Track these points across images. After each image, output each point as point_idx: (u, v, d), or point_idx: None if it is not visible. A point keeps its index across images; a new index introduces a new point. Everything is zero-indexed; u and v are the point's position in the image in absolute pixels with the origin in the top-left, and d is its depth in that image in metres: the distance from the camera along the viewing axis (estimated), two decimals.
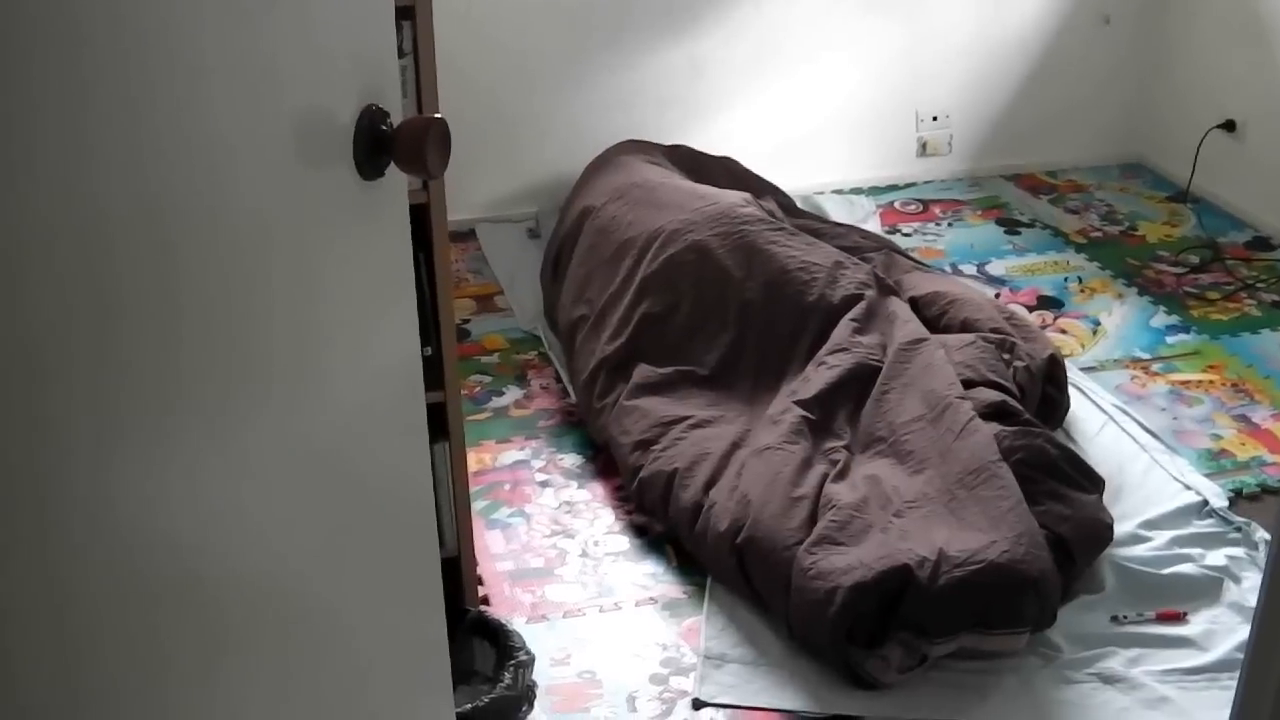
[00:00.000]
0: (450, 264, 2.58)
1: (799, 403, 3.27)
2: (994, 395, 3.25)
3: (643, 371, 3.50)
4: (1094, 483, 3.14)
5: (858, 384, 3.35)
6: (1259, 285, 4.46)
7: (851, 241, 4.10)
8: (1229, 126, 5.00)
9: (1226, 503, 3.27)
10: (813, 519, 2.95)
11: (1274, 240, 4.80)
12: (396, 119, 1.51)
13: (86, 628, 1.13)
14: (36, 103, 1.01)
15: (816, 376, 3.36)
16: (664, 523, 3.21)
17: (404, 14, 2.29)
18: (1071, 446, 3.32)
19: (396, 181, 1.57)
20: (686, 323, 3.61)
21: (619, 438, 3.37)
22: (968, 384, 3.27)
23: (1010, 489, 2.94)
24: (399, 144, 1.46)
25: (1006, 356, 3.47)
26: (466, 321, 4.22)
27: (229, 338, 1.30)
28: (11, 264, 1.00)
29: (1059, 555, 2.90)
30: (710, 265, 3.65)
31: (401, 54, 2.27)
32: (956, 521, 2.90)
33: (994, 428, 3.11)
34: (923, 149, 5.34)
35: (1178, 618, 2.94)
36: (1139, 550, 3.10)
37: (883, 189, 5.24)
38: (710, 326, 3.60)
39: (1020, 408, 3.26)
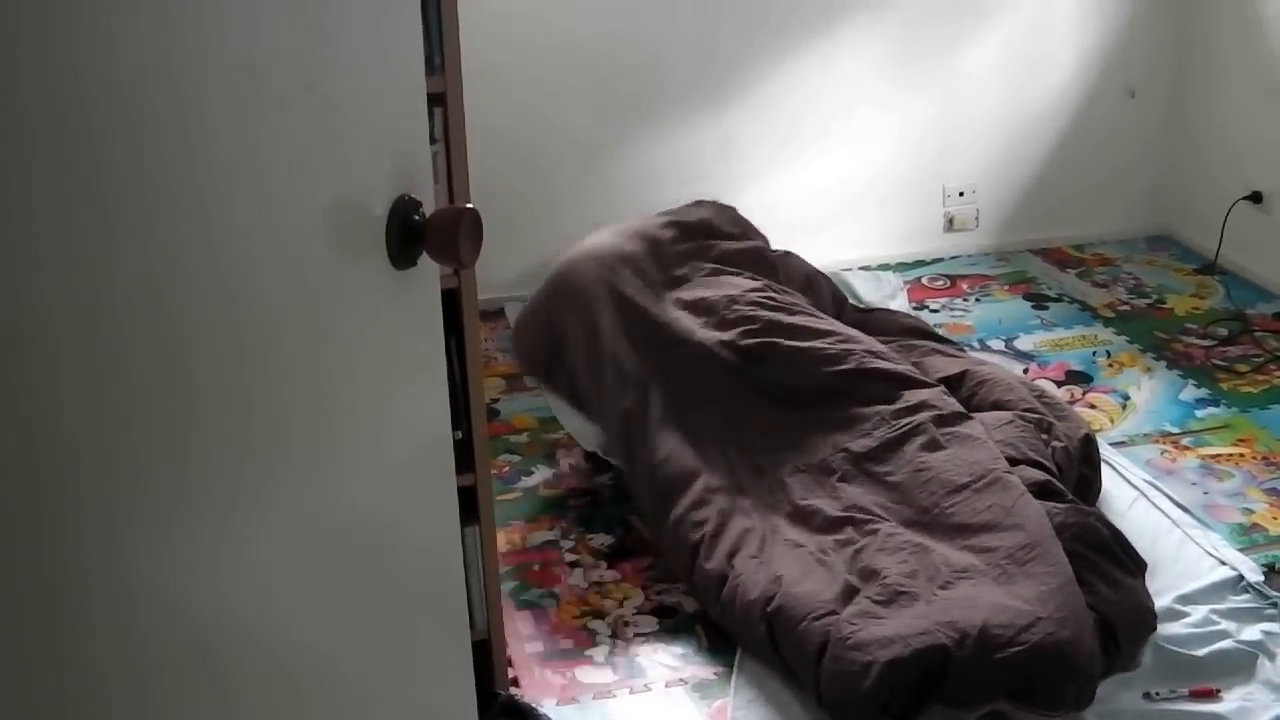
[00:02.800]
0: (480, 347, 2.59)
1: (834, 497, 3.27)
2: (1038, 474, 3.24)
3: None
4: (1138, 565, 3.12)
5: (888, 455, 3.34)
6: None
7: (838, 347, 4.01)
8: (1256, 198, 5.01)
9: (1262, 577, 3.25)
10: (850, 591, 2.94)
11: None
12: (429, 208, 1.53)
13: (100, 706, 1.14)
14: (69, 188, 1.03)
15: (848, 470, 3.35)
16: (688, 582, 3.22)
17: (435, 100, 2.32)
18: None
19: (429, 270, 1.58)
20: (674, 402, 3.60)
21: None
22: (1011, 462, 3.26)
23: (1061, 567, 2.92)
24: (431, 235, 1.47)
25: (1044, 436, 3.47)
26: (496, 401, 4.23)
27: (264, 425, 1.32)
28: (49, 349, 1.03)
29: (1104, 638, 2.88)
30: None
31: (433, 140, 2.30)
32: (1004, 593, 2.88)
33: (1043, 504, 3.10)
34: (950, 224, 5.36)
35: (1211, 694, 2.91)
36: (1173, 626, 3.07)
37: (910, 265, 5.25)
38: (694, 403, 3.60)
39: (1063, 488, 3.25)
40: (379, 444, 1.57)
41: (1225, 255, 5.12)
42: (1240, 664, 2.98)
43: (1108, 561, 3.04)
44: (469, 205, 1.47)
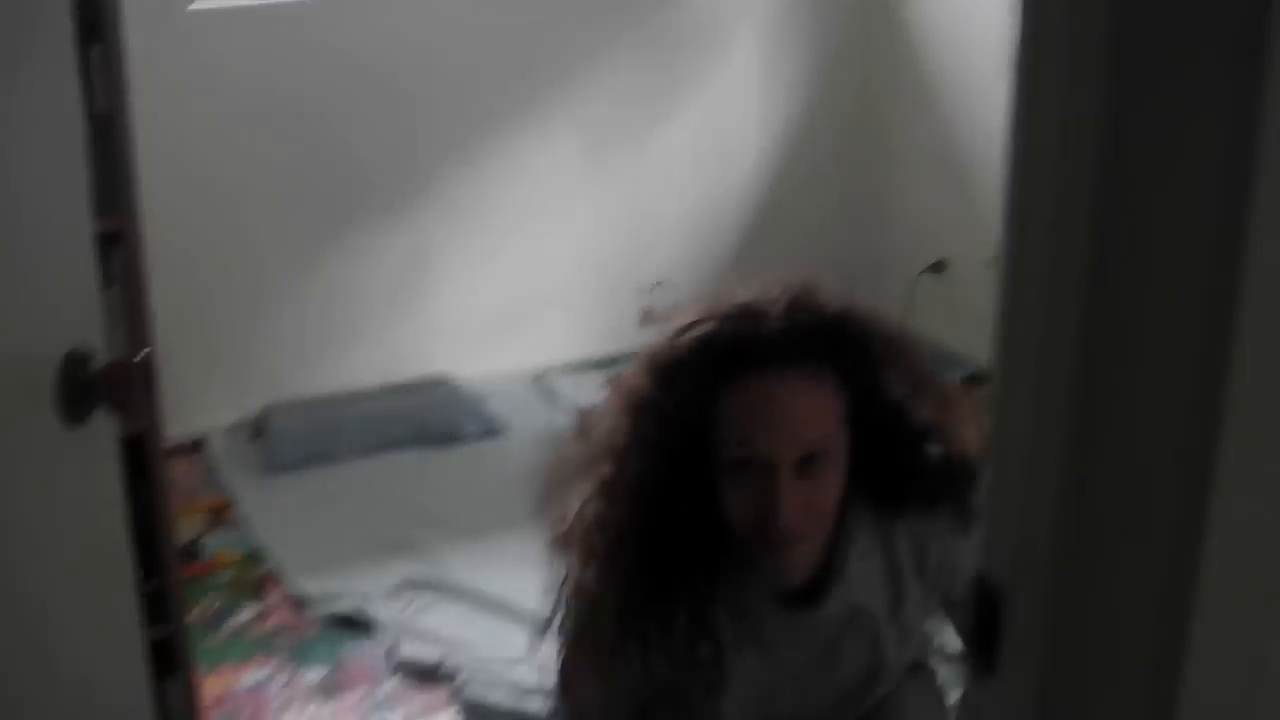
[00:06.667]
0: (168, 496, 2.46)
1: None
2: None
3: None
4: None
5: None
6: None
7: None
8: (937, 267, 5.18)
9: None
10: None
11: (990, 375, 4.94)
12: (105, 355, 1.44)
13: None
14: None
15: None
16: None
17: (111, 240, 2.20)
18: None
19: (105, 422, 1.49)
20: None
21: None
22: None
23: None
24: (103, 389, 1.39)
25: None
26: (197, 539, 4.03)
27: None
28: None
29: None
30: None
31: (111, 282, 2.17)
32: None
33: None
34: (646, 317, 5.37)
35: None
36: None
37: (609, 362, 5.20)
38: None
39: None
40: (59, 607, 1.47)
41: (915, 328, 5.25)
42: None
43: None
44: (140, 355, 1.39)
